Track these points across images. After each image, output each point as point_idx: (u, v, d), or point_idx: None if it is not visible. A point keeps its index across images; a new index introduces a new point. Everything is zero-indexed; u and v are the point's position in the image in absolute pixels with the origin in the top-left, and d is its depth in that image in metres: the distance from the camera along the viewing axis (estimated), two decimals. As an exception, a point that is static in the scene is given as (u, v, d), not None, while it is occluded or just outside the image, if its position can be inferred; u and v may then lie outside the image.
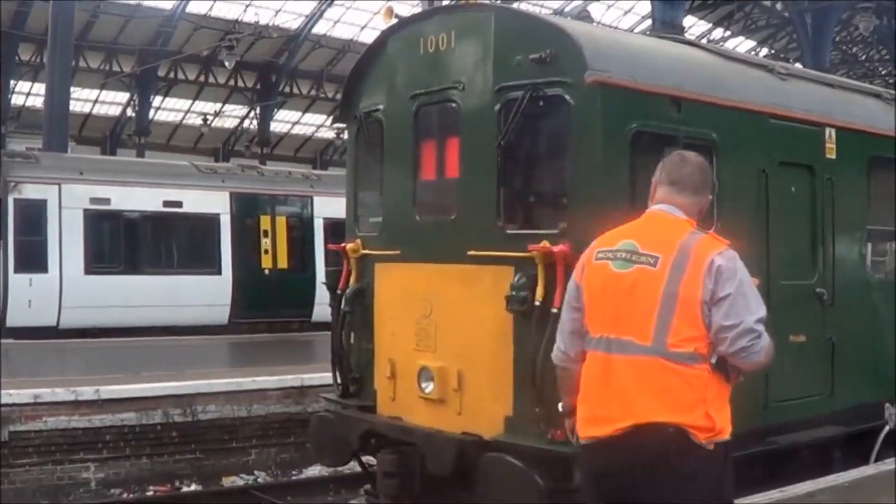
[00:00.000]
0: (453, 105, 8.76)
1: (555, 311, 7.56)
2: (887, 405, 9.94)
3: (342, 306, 9.57)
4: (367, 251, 9.52)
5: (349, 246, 9.62)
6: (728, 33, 51.32)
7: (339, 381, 9.72)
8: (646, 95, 8.14)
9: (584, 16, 9.62)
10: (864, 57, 54.90)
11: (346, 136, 45.34)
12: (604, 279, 4.68)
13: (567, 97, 7.92)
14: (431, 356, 8.64)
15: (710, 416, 4.42)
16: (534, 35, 8.20)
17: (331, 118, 54.34)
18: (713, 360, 4.48)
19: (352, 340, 9.63)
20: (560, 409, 5.18)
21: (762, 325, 4.48)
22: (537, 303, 7.70)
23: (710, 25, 51.06)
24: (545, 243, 7.70)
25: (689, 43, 10.42)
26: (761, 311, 4.52)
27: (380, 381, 9.26)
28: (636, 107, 8.08)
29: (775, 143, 9.17)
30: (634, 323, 4.51)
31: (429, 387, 8.58)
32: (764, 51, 49.43)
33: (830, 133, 9.86)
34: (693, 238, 4.62)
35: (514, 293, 7.82)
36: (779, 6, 45.71)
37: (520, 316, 7.85)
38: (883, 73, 53.55)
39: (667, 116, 8.26)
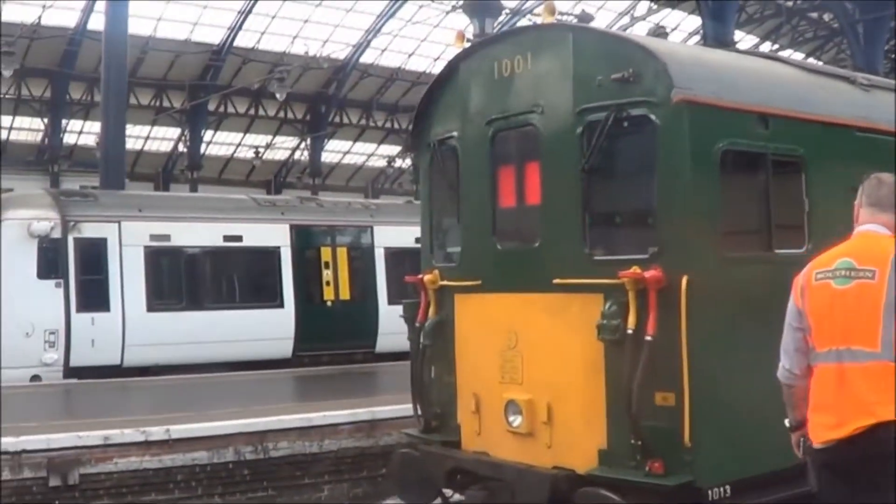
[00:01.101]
0: (532, 129, 8.56)
1: (649, 338, 7.36)
2: None
3: (422, 339, 9.36)
4: (445, 282, 9.31)
5: (427, 277, 9.43)
6: (776, 47, 50.74)
7: (420, 415, 9.51)
8: (732, 113, 7.92)
9: (659, 32, 9.36)
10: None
11: (397, 163, 44.98)
12: (829, 297, 5.17)
13: (652, 117, 7.71)
14: (518, 389, 8.42)
15: None
16: (614, 54, 8.01)
17: (381, 145, 54.56)
18: None
19: (432, 374, 9.43)
20: (787, 425, 5.60)
21: None
22: (630, 331, 7.47)
23: (758, 40, 50.55)
24: (635, 269, 7.50)
25: (769, 56, 10.15)
26: None
27: (464, 416, 9.04)
28: (723, 125, 7.85)
29: (863, 157, 8.83)
30: (862, 333, 5.00)
31: (517, 420, 8.36)
32: (812, 62, 48.73)
33: None
34: None
35: (605, 322, 7.59)
36: (826, 17, 45.10)
37: (612, 345, 7.62)
38: (937, 80, 52.55)
39: (754, 134, 8.03)
